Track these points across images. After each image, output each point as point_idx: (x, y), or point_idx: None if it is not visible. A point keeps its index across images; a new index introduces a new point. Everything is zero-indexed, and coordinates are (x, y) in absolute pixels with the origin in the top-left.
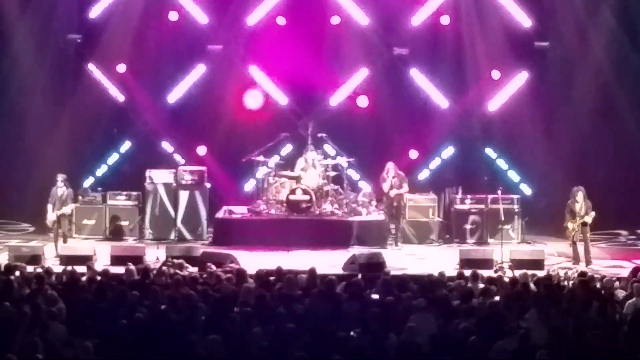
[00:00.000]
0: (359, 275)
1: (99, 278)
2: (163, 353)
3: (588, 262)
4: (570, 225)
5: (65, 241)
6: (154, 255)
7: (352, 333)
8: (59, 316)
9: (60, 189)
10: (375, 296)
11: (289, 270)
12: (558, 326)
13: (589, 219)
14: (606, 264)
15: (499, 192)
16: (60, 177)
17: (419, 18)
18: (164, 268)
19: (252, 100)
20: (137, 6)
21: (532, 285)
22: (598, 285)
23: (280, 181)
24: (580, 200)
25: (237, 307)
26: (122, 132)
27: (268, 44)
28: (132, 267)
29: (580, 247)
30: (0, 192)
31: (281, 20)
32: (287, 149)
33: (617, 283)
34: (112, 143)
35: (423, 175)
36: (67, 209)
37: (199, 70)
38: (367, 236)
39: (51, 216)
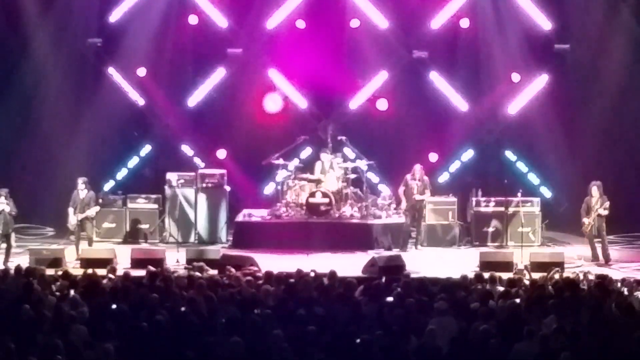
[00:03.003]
0: (383, 279)
1: (119, 281)
2: (183, 355)
3: (607, 260)
4: (586, 220)
5: (90, 244)
6: (174, 258)
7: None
8: (80, 319)
9: (82, 191)
10: (395, 299)
11: (308, 272)
12: (579, 328)
13: (603, 211)
14: (627, 265)
15: (519, 194)
16: (81, 180)
17: (438, 21)
18: (184, 270)
19: (272, 104)
20: (157, 10)
21: (551, 288)
22: (618, 286)
23: (300, 184)
24: (595, 194)
25: (257, 309)
26: (142, 135)
27: (287, 47)
28: (152, 269)
29: (598, 246)
30: (21, 196)
31: (301, 24)
32: (306, 152)
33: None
34: (132, 146)
35: (443, 178)
36: (92, 211)
37: (218, 74)
38: (387, 239)
39: (73, 219)
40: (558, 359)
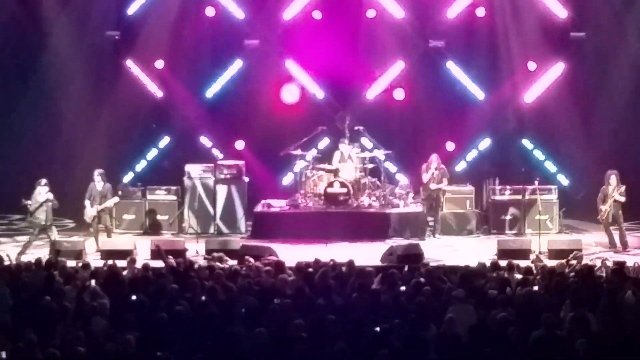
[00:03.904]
0: (406, 267)
1: (139, 272)
2: (204, 345)
3: (625, 246)
4: (602, 207)
5: (109, 235)
6: (194, 249)
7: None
8: (101, 310)
9: (99, 183)
10: (413, 287)
11: (326, 262)
12: (596, 315)
13: (619, 196)
14: None
15: (536, 182)
16: (97, 173)
17: (454, 10)
18: (204, 261)
19: (289, 95)
20: (174, 2)
21: (569, 275)
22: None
23: (318, 174)
24: (613, 183)
25: (276, 299)
26: (161, 127)
27: (304, 38)
28: (173, 260)
29: (616, 232)
30: None
31: (317, 15)
32: (324, 142)
33: None
34: (151, 138)
35: (460, 166)
36: (110, 202)
37: (236, 65)
38: (405, 228)
39: (90, 211)
40: (575, 346)
